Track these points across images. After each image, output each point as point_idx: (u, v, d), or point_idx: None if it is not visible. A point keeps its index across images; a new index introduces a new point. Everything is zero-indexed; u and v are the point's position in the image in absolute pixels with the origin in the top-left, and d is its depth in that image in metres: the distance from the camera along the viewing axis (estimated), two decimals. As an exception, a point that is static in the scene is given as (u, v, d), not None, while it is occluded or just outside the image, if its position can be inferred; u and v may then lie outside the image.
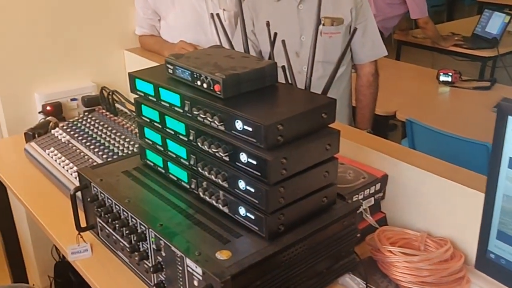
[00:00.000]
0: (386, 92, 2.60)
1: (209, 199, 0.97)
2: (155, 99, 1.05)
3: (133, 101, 1.50)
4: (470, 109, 2.62)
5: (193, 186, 1.02)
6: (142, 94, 1.09)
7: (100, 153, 1.43)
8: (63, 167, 1.41)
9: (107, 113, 1.66)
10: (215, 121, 0.90)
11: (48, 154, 1.49)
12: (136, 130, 1.51)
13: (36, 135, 1.66)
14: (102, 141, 1.50)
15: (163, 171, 1.10)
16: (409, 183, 1.19)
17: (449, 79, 2.87)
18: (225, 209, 0.95)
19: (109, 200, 1.05)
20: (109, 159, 1.38)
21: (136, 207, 1.00)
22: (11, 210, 1.85)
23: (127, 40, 2.17)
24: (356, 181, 1.19)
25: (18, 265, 1.94)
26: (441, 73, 2.90)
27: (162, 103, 1.04)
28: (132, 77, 1.09)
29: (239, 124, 0.87)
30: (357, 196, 1.15)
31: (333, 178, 0.96)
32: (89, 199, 1.10)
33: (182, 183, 1.05)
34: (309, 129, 0.91)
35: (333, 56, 1.86)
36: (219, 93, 0.92)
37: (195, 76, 0.97)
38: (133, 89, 1.11)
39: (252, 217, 0.89)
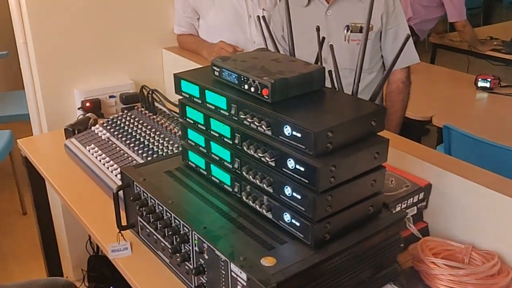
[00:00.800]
0: (421, 96, 2.56)
1: (252, 203, 0.97)
2: (200, 101, 1.05)
3: (172, 100, 1.52)
4: (509, 116, 2.56)
5: (236, 190, 1.01)
6: (187, 96, 1.09)
7: (140, 151, 1.44)
8: (104, 164, 1.42)
9: (146, 111, 1.67)
10: (263, 126, 0.90)
11: (89, 151, 1.51)
12: (176, 129, 1.53)
13: (76, 131, 1.68)
14: (142, 139, 1.51)
15: (205, 173, 1.10)
16: (453, 193, 1.17)
17: (488, 85, 2.80)
18: (269, 215, 0.94)
19: (152, 200, 1.06)
20: (149, 158, 1.39)
21: (179, 208, 1.00)
22: (49, 205, 1.88)
23: (165, 38, 2.18)
24: (399, 189, 1.17)
25: (54, 258, 1.98)
26: (480, 79, 2.83)
27: (208, 105, 1.03)
28: (178, 78, 1.09)
29: (287, 130, 0.86)
30: (400, 205, 1.13)
31: (380, 187, 0.94)
32: (131, 198, 1.10)
33: (225, 185, 1.05)
34: (358, 137, 0.89)
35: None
36: (266, 97, 0.92)
37: (242, 79, 0.96)
38: (178, 90, 1.11)
39: (298, 224, 0.89)
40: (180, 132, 1.46)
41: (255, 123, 0.91)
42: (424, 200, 1.20)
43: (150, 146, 1.46)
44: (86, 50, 2.01)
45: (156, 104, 1.66)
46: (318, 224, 0.86)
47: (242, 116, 0.94)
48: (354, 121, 0.88)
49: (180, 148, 1.18)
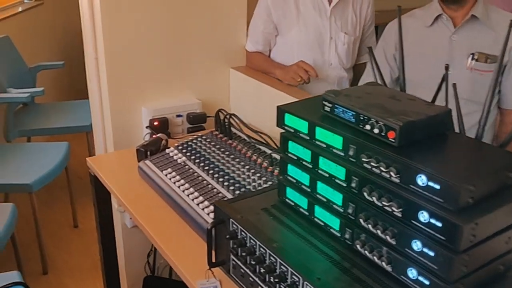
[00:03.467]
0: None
1: (369, 254, 0.89)
2: (308, 138, 0.99)
3: (249, 126, 1.47)
4: None
5: (346, 236, 0.94)
6: (292, 130, 1.02)
7: (220, 179, 1.38)
8: (183, 191, 1.37)
9: (221, 135, 1.62)
10: (391, 172, 0.82)
11: (166, 175, 1.46)
12: (254, 156, 1.47)
13: (149, 153, 1.64)
14: (221, 166, 1.45)
15: (307, 213, 1.03)
16: None
17: None
18: (388, 268, 0.86)
19: (252, 241, 0.99)
20: (231, 188, 1.33)
21: (286, 253, 0.93)
22: (113, 223, 1.85)
23: (232, 58, 2.14)
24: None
25: (113, 276, 1.95)
26: None
27: (317, 142, 0.97)
28: (282, 111, 1.03)
29: (422, 180, 0.79)
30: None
31: (513, 244, 0.86)
32: (227, 236, 1.04)
33: (331, 230, 0.98)
34: (496, 190, 0.81)
35: (480, 96, 1.70)
36: (392, 140, 0.84)
37: (362, 118, 0.89)
38: (281, 123, 1.04)
39: (427, 282, 0.80)
40: (261, 161, 1.41)
41: (382, 168, 0.84)
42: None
43: (231, 175, 1.40)
44: (155, 68, 1.97)
45: (232, 129, 1.61)
46: (451, 285, 0.78)
47: (364, 160, 0.87)
48: (494, 174, 0.80)
49: (277, 183, 1.12)
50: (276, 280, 0.92)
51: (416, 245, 0.81)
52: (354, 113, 0.91)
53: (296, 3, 2.02)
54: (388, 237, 0.85)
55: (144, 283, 2.15)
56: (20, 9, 3.95)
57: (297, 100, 1.19)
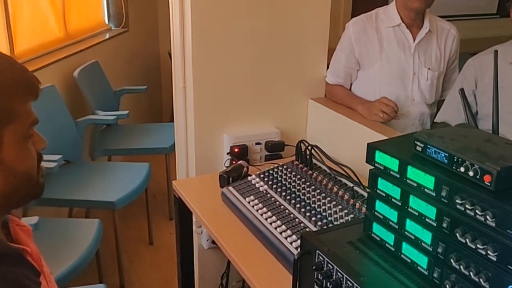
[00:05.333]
0: None
1: (460, 295, 0.89)
2: (398, 176, 1.01)
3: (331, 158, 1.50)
4: None
5: (435, 275, 0.95)
6: (381, 168, 1.05)
7: (302, 209, 1.42)
8: (266, 219, 1.42)
9: (301, 165, 1.67)
10: (487, 216, 0.83)
11: (249, 203, 1.52)
12: (335, 188, 1.50)
13: (231, 179, 1.71)
14: (302, 196, 1.49)
15: (393, 249, 1.05)
16: None
17: None
18: (480, 311, 0.87)
19: (338, 273, 1.02)
20: (313, 219, 1.37)
21: (373, 287, 0.95)
22: (193, 245, 1.93)
23: (312, 89, 2.19)
24: None
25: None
26: None
27: (408, 181, 0.99)
28: (372, 148, 1.06)
29: (519, 225, 0.79)
30: None
31: None
32: (313, 268, 1.07)
33: (418, 267, 0.99)
34: None
35: None
36: (488, 184, 0.85)
37: (456, 161, 0.91)
38: (371, 160, 1.07)
39: (521, 330, 0.80)
40: (343, 194, 1.43)
41: (477, 211, 0.85)
42: None
43: (312, 205, 1.44)
44: (238, 96, 2.06)
45: (314, 160, 1.65)
46: (549, 334, 0.77)
47: (458, 201, 0.88)
48: None
49: (360, 217, 1.14)
50: (363, 314, 0.94)
51: (512, 290, 0.81)
52: (447, 154, 0.93)
53: (379, 39, 2.05)
54: (481, 281, 0.85)
55: (216, 304, 2.21)
56: (107, 35, 4.23)
57: (381, 136, 1.21)
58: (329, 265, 1.05)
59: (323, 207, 1.42)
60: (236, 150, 2.02)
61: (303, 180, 1.58)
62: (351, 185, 1.50)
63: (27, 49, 3.13)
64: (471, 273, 0.86)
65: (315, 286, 1.10)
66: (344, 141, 1.94)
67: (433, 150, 0.96)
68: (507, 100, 1.72)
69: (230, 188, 1.63)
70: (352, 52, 2.08)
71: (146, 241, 3.09)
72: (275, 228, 1.37)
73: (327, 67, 2.18)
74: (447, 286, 0.92)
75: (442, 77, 2.10)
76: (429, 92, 2.06)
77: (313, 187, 1.53)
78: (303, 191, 1.52)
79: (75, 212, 3.05)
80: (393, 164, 1.02)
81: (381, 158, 1.05)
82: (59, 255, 2.02)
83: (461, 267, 0.88)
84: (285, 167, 1.68)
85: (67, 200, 2.54)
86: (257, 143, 2.08)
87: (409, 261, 1.01)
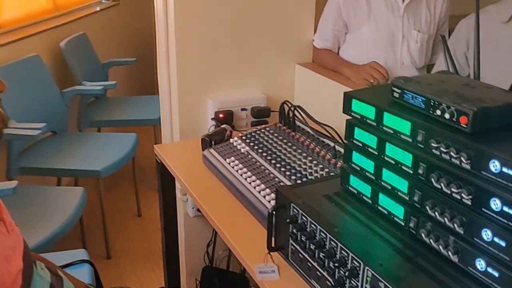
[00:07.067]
0: None
1: (434, 243, 0.86)
2: (375, 124, 0.97)
3: (314, 118, 1.45)
4: None
5: (411, 225, 0.91)
6: (358, 117, 1.01)
7: (282, 169, 1.39)
8: (246, 179, 1.38)
9: (285, 127, 1.63)
10: (462, 158, 0.79)
11: (229, 164, 1.48)
12: (317, 148, 1.46)
13: (213, 142, 1.67)
14: (283, 157, 1.46)
15: (370, 201, 1.01)
16: None
17: None
18: (454, 258, 0.83)
19: (312, 225, 0.99)
20: (293, 177, 1.33)
21: (347, 238, 0.92)
22: (177, 213, 1.89)
23: (299, 54, 2.14)
24: None
25: (173, 265, 1.99)
26: None
27: (384, 128, 0.95)
28: (349, 97, 1.02)
29: (495, 166, 0.75)
30: None
31: None
32: (288, 220, 1.04)
33: (395, 218, 0.95)
34: None
35: None
36: (464, 126, 0.81)
37: (432, 104, 0.87)
38: (347, 109, 1.03)
39: (496, 274, 0.77)
40: (325, 154, 1.40)
41: (452, 154, 0.81)
42: None
43: (292, 165, 1.40)
44: (223, 62, 2.01)
45: (296, 121, 1.61)
46: (524, 278, 0.74)
47: (433, 145, 0.84)
48: None
49: (340, 171, 1.11)
50: (336, 265, 0.91)
51: (486, 234, 0.77)
52: (424, 98, 0.89)
53: (367, 0, 2.00)
54: (456, 226, 0.81)
55: (203, 273, 2.19)
56: (97, 8, 4.15)
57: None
58: (303, 217, 1.02)
59: (304, 166, 1.39)
60: (221, 115, 1.97)
61: (285, 141, 1.54)
62: (334, 144, 1.46)
63: (13, 18, 3.07)
64: (445, 219, 0.83)
65: (290, 240, 1.08)
66: (332, 107, 1.89)
67: (410, 96, 0.92)
68: (500, 60, 1.68)
69: (211, 150, 1.59)
70: (340, 15, 2.03)
71: (135, 213, 3.07)
72: (254, 187, 1.34)
73: (315, 31, 2.13)
74: (423, 234, 0.89)
75: (432, 40, 2.05)
76: (419, 56, 2.01)
77: (294, 147, 1.49)
78: (284, 151, 1.48)
79: (63, 183, 3.02)
80: (369, 112, 0.98)
81: (358, 106, 1.01)
82: (42, 220, 1.99)
83: (436, 213, 0.85)
84: (268, 129, 1.64)
85: (52, 169, 2.51)
86: (243, 109, 2.03)
87: (386, 212, 0.98)
